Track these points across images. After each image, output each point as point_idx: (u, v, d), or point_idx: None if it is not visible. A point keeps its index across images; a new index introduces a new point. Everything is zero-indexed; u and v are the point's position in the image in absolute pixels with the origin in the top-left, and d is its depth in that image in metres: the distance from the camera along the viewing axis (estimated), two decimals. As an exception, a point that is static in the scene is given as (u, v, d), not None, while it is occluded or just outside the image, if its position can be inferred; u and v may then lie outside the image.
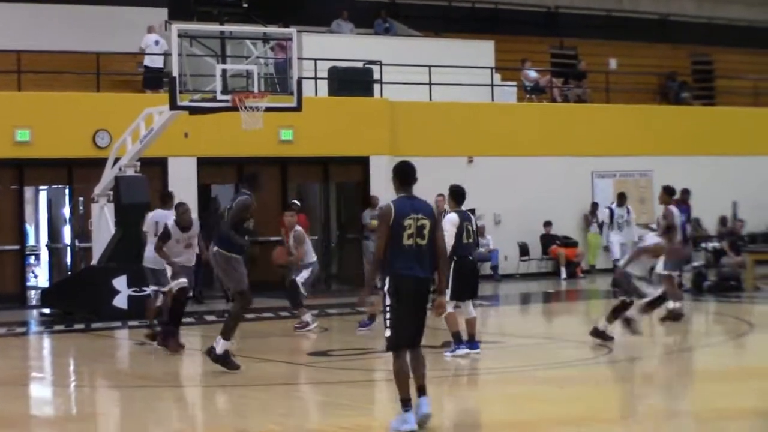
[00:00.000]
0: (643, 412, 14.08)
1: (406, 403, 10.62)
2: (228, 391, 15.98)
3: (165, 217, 17.66)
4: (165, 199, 18.22)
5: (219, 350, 13.58)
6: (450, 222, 15.29)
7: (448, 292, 13.69)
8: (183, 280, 17.02)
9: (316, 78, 28.28)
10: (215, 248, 15.22)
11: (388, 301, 10.65)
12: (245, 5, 24.54)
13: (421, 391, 10.83)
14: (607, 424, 12.95)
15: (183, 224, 17.10)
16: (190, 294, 18.35)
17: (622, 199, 28.87)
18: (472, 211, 27.71)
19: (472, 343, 16.25)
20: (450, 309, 14.17)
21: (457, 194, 16.22)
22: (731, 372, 17.18)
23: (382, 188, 28.41)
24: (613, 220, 28.57)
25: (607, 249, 31.60)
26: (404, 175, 11.10)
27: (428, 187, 28.00)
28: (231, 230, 14.07)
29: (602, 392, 15.67)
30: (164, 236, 17.14)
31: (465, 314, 16.37)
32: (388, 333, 10.72)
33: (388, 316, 10.70)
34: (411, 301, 10.70)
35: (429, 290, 11.07)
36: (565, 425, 12.85)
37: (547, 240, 32.08)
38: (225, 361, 13.64)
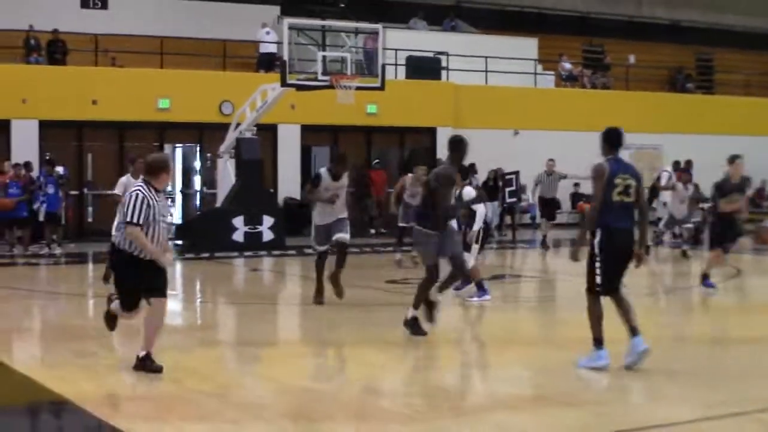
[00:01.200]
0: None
1: (599, 342, 10.37)
2: (328, 308, 16.03)
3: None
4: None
5: (409, 316, 12.40)
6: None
7: None
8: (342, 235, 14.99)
9: (396, 64, 29.37)
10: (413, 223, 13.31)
11: (597, 251, 10.30)
12: (342, 5, 26.22)
13: (635, 331, 10.35)
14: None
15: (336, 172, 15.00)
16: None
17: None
18: (516, 173, 28.77)
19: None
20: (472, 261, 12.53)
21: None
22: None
23: (446, 153, 30.96)
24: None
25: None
26: (615, 138, 10.76)
27: (483, 152, 28.52)
28: (429, 208, 12.08)
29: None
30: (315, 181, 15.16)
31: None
32: (598, 279, 10.28)
33: (598, 264, 10.30)
34: (620, 252, 10.42)
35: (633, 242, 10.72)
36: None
37: (576, 197, 33.14)
38: (413, 326, 12.38)
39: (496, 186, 29.10)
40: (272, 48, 27.86)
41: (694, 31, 41.39)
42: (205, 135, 27.81)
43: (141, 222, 9.99)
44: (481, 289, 16.09)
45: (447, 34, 33.79)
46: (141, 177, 10.95)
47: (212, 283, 20.50)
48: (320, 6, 26.05)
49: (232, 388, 10.62)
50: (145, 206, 9.96)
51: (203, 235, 24.80)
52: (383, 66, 24.36)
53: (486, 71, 31.71)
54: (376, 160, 29.97)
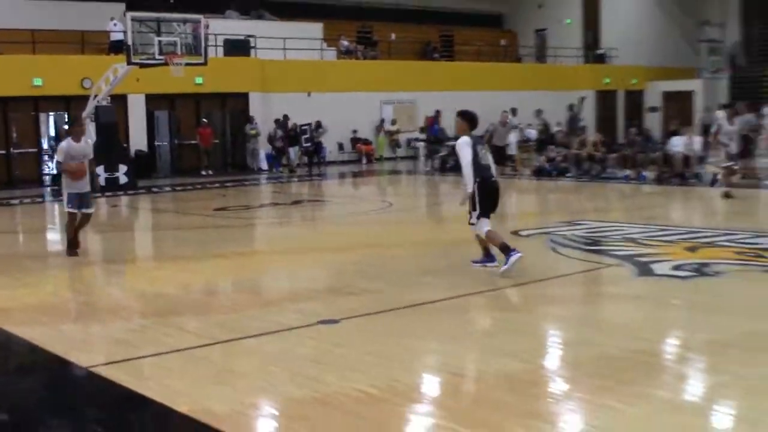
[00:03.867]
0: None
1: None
2: (173, 232, 16.81)
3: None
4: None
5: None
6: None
7: (475, 216, 10.55)
8: None
9: (216, 45, 29.54)
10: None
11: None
12: (172, 1, 26.68)
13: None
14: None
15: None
16: None
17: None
18: (310, 124, 29.96)
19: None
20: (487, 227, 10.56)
21: (467, 118, 10.75)
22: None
23: (258, 112, 30.66)
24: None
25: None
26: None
27: (285, 111, 30.26)
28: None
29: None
30: None
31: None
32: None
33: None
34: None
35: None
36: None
37: (355, 141, 33.91)
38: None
39: (296, 134, 30.28)
40: (120, 36, 27.39)
41: (438, 14, 42.24)
42: (71, 105, 27.19)
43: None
44: None
45: (254, 22, 33.94)
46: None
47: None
48: (156, 2, 25.56)
49: (101, 296, 10.93)
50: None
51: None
52: (206, 47, 24.80)
53: (284, 49, 32.00)
54: (204, 120, 30.21)
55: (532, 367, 7.18)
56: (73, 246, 13.01)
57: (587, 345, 7.77)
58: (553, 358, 7.72)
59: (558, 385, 6.88)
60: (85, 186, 12.84)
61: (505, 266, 10.10)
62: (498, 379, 6.80)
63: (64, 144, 12.77)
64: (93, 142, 24.63)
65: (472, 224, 10.50)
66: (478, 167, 10.31)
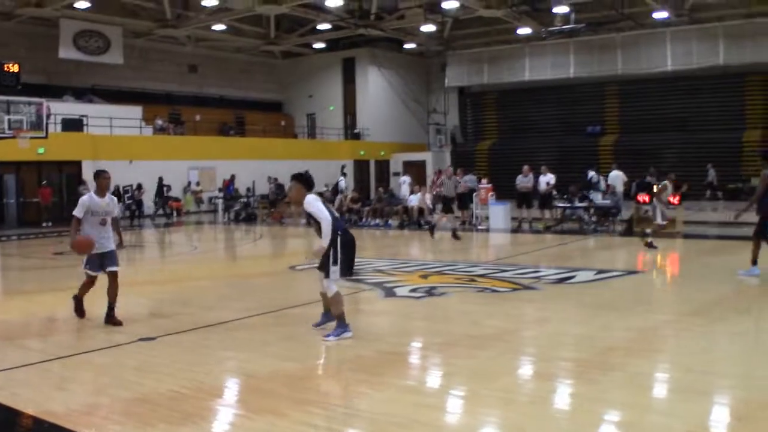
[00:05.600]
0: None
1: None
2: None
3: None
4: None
5: None
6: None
7: (337, 269, 8.32)
8: None
9: (55, 123, 29.24)
10: None
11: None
12: (20, 87, 24.34)
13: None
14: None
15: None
16: None
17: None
18: (132, 186, 29.78)
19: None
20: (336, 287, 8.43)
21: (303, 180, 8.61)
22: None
23: (89, 176, 27.84)
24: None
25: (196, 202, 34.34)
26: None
27: (114, 175, 32.39)
28: None
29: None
30: None
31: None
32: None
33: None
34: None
35: None
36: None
37: (167, 199, 33.53)
38: None
39: (120, 194, 30.11)
40: None
41: (233, 101, 43.30)
42: None
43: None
44: None
45: (86, 104, 33.80)
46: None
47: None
48: (6, 87, 24.23)
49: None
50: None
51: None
52: (47, 124, 24.57)
53: (111, 126, 32.13)
54: (44, 182, 29.90)
55: (305, 367, 7.43)
56: (80, 310, 10.05)
57: (348, 348, 8.04)
58: (320, 359, 7.96)
59: (325, 379, 7.25)
60: (108, 244, 9.69)
61: (332, 337, 8.33)
62: (278, 377, 7.00)
63: (85, 198, 9.59)
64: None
65: (327, 278, 8.33)
66: (335, 220, 8.32)
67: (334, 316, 8.45)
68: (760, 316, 9.41)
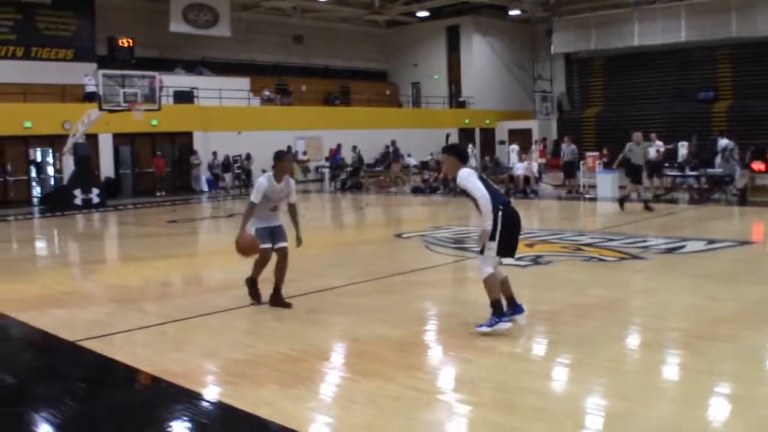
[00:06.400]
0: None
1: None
2: (135, 238, 16.37)
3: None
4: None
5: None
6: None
7: (494, 246, 7.19)
8: None
9: (168, 95, 29.67)
10: None
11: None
12: (134, 61, 25.56)
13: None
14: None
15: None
16: None
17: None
18: (241, 155, 30.33)
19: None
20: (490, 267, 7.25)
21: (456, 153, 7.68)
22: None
23: (200, 146, 30.97)
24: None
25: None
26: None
27: (221, 145, 30.82)
28: None
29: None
30: None
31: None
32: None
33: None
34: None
35: None
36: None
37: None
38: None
39: (230, 164, 31.06)
40: (93, 88, 27.09)
41: (338, 71, 43.33)
42: (55, 142, 27.62)
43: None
44: None
45: (197, 77, 34.33)
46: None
47: (67, 228, 20.32)
48: (121, 62, 25.32)
49: (81, 288, 11.01)
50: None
51: (57, 201, 24.98)
52: (160, 97, 25.20)
53: (220, 98, 32.59)
54: (158, 152, 30.64)
55: (411, 333, 7.52)
56: (255, 293, 9.02)
57: (452, 316, 8.13)
58: (426, 326, 8.06)
59: (431, 345, 7.31)
60: (276, 220, 8.74)
61: (484, 327, 7.23)
62: (384, 342, 7.11)
63: (263, 181, 8.59)
64: (72, 172, 25.25)
65: (481, 254, 7.31)
66: (495, 195, 7.29)
67: (490, 302, 7.20)
68: None
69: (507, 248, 7.27)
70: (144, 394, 6.07)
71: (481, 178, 7.29)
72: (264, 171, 10.71)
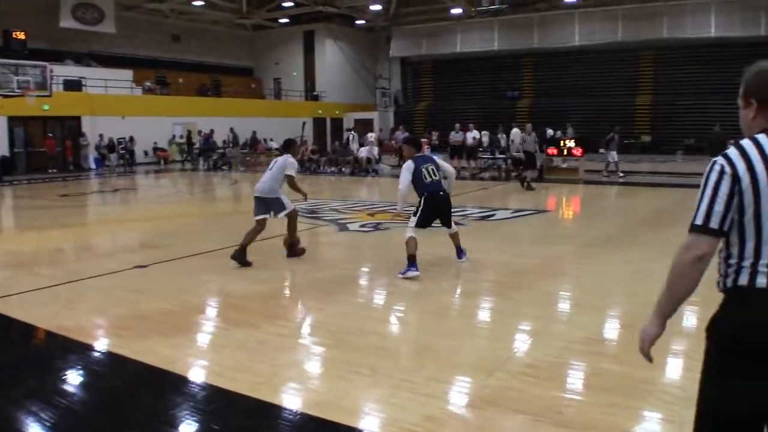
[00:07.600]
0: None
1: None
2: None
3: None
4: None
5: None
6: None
7: (415, 219, 7.96)
8: None
9: (58, 84, 28.23)
10: None
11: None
12: (26, 52, 24.46)
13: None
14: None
15: None
16: None
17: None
18: (125, 138, 29.85)
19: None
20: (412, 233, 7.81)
21: (412, 143, 8.49)
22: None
23: (88, 129, 29.31)
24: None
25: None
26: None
27: (107, 129, 29.66)
28: None
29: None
30: None
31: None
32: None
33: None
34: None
35: None
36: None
37: (156, 149, 32.88)
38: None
39: (114, 145, 29.83)
40: None
41: (210, 66, 41.99)
42: None
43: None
44: None
45: (85, 68, 32.63)
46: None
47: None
48: (15, 52, 24.05)
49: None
50: None
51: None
52: (50, 84, 23.98)
53: (106, 87, 31.16)
54: (50, 134, 28.90)
55: (274, 288, 7.43)
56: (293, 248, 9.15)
57: (308, 273, 8.05)
58: (286, 282, 7.98)
59: (290, 298, 7.20)
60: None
61: (402, 274, 7.72)
62: (252, 296, 7.00)
63: (293, 160, 9.07)
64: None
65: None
66: (422, 185, 7.95)
67: (407, 254, 7.85)
68: (645, 249, 9.53)
69: (424, 223, 7.97)
70: (40, 348, 5.77)
71: (424, 170, 7.99)
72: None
